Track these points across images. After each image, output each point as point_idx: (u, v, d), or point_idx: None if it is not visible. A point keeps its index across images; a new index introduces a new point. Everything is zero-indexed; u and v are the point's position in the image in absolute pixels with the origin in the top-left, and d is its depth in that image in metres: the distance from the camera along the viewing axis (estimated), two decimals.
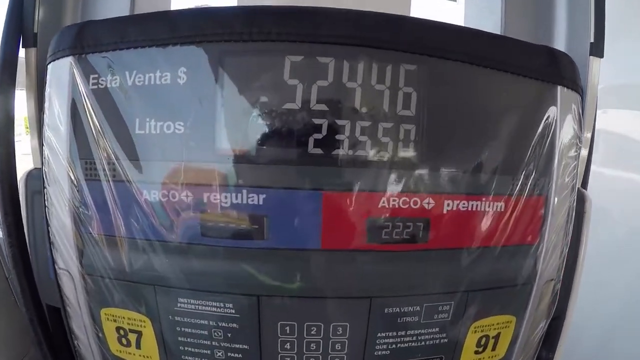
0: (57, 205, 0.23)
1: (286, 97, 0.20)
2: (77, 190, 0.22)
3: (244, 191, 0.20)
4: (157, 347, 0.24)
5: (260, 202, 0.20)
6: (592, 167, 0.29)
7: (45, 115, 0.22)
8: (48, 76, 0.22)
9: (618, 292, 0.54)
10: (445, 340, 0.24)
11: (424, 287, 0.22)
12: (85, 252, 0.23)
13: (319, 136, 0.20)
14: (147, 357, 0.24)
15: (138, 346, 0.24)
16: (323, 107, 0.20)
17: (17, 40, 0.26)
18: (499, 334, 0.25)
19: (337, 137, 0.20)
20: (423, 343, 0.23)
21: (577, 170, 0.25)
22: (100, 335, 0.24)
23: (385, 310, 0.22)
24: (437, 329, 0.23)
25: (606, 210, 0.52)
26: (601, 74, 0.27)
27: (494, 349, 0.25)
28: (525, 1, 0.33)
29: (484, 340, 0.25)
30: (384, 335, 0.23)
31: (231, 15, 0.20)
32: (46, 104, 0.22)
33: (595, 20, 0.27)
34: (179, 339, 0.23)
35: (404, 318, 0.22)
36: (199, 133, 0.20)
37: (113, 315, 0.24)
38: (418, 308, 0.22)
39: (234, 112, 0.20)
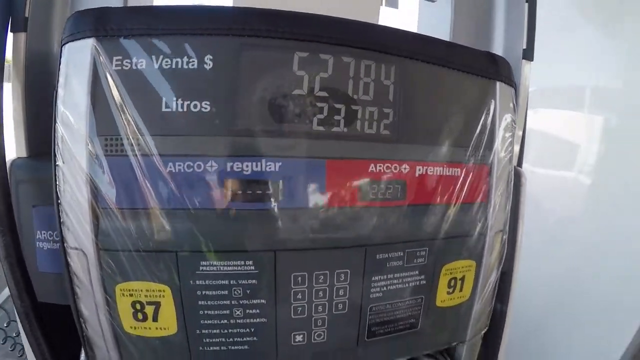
0: (72, 182, 0.23)
1: (295, 85, 0.24)
2: (98, 166, 0.23)
3: (263, 160, 0.24)
4: (176, 316, 0.25)
5: (277, 169, 0.24)
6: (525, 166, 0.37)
7: (59, 94, 0.23)
8: (64, 56, 0.23)
9: (552, 270, 0.66)
10: (424, 282, 0.29)
11: (404, 236, 0.28)
12: (102, 227, 0.23)
13: (321, 116, 0.25)
14: (164, 328, 0.25)
15: (155, 319, 0.25)
16: (324, 93, 0.25)
17: (6, 25, 0.25)
18: (463, 276, 0.31)
19: (335, 117, 0.25)
20: (407, 285, 0.29)
21: (512, 147, 0.32)
22: (113, 313, 0.25)
23: (377, 257, 0.27)
24: (417, 272, 0.29)
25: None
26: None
27: (461, 290, 0.31)
28: (470, 14, 0.41)
29: (453, 282, 0.30)
30: (377, 279, 0.27)
31: (252, 14, 0.24)
32: (61, 82, 0.23)
33: (528, 29, 0.33)
34: (200, 302, 0.25)
35: (391, 263, 0.27)
36: (223, 112, 0.23)
37: (129, 290, 0.24)
38: (401, 254, 0.28)
39: (254, 95, 0.24)
